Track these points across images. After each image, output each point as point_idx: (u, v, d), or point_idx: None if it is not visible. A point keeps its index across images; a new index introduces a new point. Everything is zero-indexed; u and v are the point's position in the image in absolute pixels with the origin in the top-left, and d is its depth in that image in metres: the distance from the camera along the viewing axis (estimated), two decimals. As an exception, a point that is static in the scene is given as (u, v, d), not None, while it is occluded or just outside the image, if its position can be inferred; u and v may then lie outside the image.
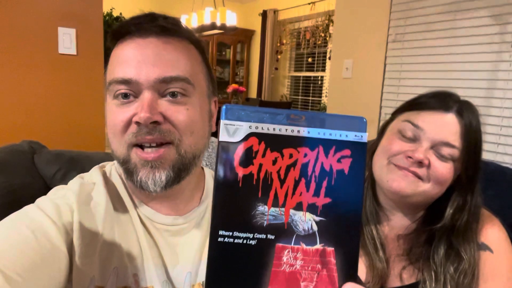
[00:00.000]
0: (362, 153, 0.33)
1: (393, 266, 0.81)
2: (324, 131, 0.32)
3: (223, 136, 0.31)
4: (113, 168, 0.68)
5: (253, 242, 0.31)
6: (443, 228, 0.78)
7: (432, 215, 0.81)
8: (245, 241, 0.31)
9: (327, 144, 0.32)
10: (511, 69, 1.81)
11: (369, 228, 0.82)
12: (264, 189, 0.31)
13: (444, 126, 0.75)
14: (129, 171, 0.59)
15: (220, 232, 0.30)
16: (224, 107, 0.31)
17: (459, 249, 0.76)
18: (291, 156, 0.32)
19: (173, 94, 0.58)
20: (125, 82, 0.57)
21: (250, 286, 0.31)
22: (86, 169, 0.71)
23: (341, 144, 0.32)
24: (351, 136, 0.32)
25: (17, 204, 0.59)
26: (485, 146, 0.78)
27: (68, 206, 0.58)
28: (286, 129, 0.32)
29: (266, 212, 0.31)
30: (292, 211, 0.32)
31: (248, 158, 0.31)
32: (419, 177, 0.75)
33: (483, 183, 0.80)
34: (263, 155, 0.31)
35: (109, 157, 1.03)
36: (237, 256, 0.30)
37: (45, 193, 0.63)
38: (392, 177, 0.76)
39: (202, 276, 0.63)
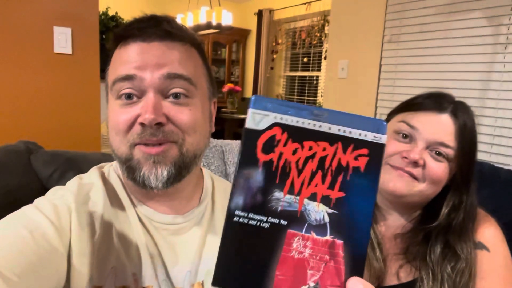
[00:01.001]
0: (380, 153, 0.33)
1: (390, 265, 0.81)
2: (345, 128, 0.33)
3: (249, 124, 0.32)
4: (111, 169, 0.68)
5: (266, 225, 0.32)
6: (439, 227, 0.78)
7: (429, 215, 0.82)
8: (258, 223, 0.32)
9: (346, 141, 0.33)
10: (505, 70, 1.83)
11: None
12: (281, 176, 0.32)
13: (439, 127, 0.76)
14: (131, 168, 0.59)
15: (236, 212, 0.32)
16: (253, 97, 0.33)
17: (456, 248, 0.77)
18: (310, 148, 0.33)
19: (176, 96, 0.59)
20: (129, 77, 0.57)
21: (259, 266, 0.32)
22: (82, 170, 0.71)
23: (359, 143, 0.33)
24: (370, 136, 0.33)
25: (13, 205, 0.59)
26: (479, 147, 0.80)
27: (66, 207, 0.58)
28: (309, 123, 0.33)
29: (282, 198, 0.32)
30: (306, 200, 0.33)
31: (270, 145, 0.32)
32: (414, 177, 0.76)
33: (477, 184, 0.81)
34: (284, 145, 0.33)
35: (106, 157, 1.03)
36: (250, 236, 0.32)
37: (41, 194, 0.62)
38: (388, 177, 0.77)
39: (201, 275, 0.64)
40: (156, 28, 0.59)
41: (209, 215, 0.69)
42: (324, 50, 4.78)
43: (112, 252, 0.59)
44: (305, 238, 0.32)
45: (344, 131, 0.33)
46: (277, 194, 0.32)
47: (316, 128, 0.33)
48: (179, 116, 0.59)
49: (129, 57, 0.59)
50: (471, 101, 1.86)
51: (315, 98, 5.18)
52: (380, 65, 2.37)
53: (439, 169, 0.75)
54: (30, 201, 0.59)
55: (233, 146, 1.26)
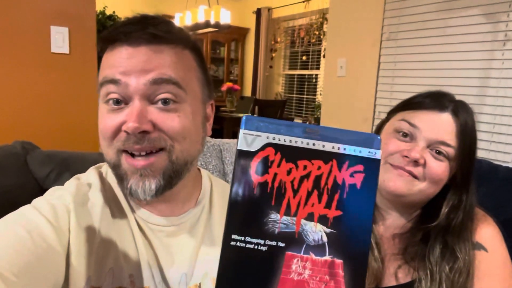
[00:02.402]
0: (375, 169, 0.33)
1: (388, 265, 0.81)
2: (339, 145, 0.33)
3: (241, 145, 0.32)
4: (109, 169, 0.68)
5: (264, 248, 0.32)
6: (438, 227, 0.78)
7: (428, 215, 0.81)
8: (256, 247, 0.31)
9: (341, 159, 0.33)
10: (504, 68, 1.82)
11: None
12: (277, 197, 0.32)
13: (440, 125, 0.76)
14: (119, 176, 0.59)
15: (233, 236, 0.31)
16: (244, 117, 0.33)
17: (454, 248, 0.76)
18: (305, 167, 0.33)
19: (164, 102, 0.57)
20: (114, 81, 0.56)
21: None
22: (79, 170, 0.70)
23: (354, 159, 0.33)
24: (364, 152, 0.33)
25: (9, 205, 0.59)
26: (478, 144, 0.79)
27: (64, 207, 0.58)
28: (302, 142, 0.33)
29: (278, 220, 0.32)
30: (303, 221, 0.32)
31: (264, 167, 0.32)
32: (414, 176, 0.75)
33: (476, 181, 0.81)
34: (278, 165, 0.32)
35: (102, 158, 1.02)
36: (248, 260, 0.31)
37: (38, 194, 0.62)
38: (388, 176, 0.77)
39: (197, 277, 0.63)
40: (142, 32, 0.57)
41: (207, 216, 0.69)
42: (323, 48, 4.78)
43: (110, 253, 0.59)
44: (304, 259, 0.32)
45: (338, 148, 0.33)
46: (274, 216, 0.32)
47: (310, 146, 0.33)
48: (166, 123, 0.57)
49: (115, 62, 0.57)
50: (470, 99, 1.86)
51: (314, 96, 5.18)
52: (379, 63, 2.37)
53: (440, 168, 0.75)
54: (27, 201, 0.59)
55: (231, 145, 1.26)
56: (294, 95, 5.60)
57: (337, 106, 2.67)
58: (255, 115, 4.49)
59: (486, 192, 1.07)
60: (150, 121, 0.56)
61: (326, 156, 0.33)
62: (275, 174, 0.32)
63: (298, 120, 5.27)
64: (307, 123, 5.02)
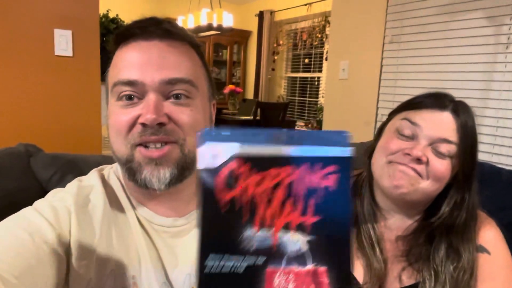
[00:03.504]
0: (348, 167, 0.31)
1: (391, 267, 0.81)
2: (308, 148, 0.31)
3: (202, 162, 0.30)
4: (111, 172, 0.68)
5: (242, 270, 0.29)
6: (442, 226, 0.78)
7: (431, 216, 0.81)
8: (233, 270, 0.29)
9: (312, 162, 0.31)
10: (506, 70, 1.82)
11: (366, 227, 0.82)
12: (249, 212, 0.30)
13: (441, 123, 0.76)
14: (132, 170, 0.59)
15: (206, 263, 0.29)
16: (201, 132, 0.30)
17: (459, 247, 0.77)
18: (276, 176, 0.30)
19: (177, 96, 0.59)
20: (131, 83, 0.57)
21: None
22: (82, 172, 0.70)
23: (326, 160, 0.31)
24: (336, 151, 0.31)
25: (13, 207, 0.59)
26: (480, 147, 0.80)
27: (66, 209, 0.58)
28: (269, 149, 0.31)
29: (254, 236, 0.30)
30: (280, 233, 0.30)
31: (230, 182, 0.30)
32: (418, 174, 0.76)
33: (479, 184, 0.81)
34: (247, 177, 0.30)
35: (106, 160, 1.03)
36: (226, 286, 0.29)
37: (41, 197, 0.62)
38: (392, 174, 0.77)
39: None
40: (156, 27, 0.59)
41: None
42: (325, 51, 4.78)
43: (111, 255, 0.58)
44: (286, 272, 0.30)
45: (308, 151, 0.31)
46: (249, 232, 0.30)
47: (278, 153, 0.31)
48: (180, 116, 0.58)
49: (130, 58, 0.59)
50: (473, 102, 1.85)
51: (316, 99, 5.18)
52: (381, 66, 2.37)
53: (442, 166, 0.76)
54: (30, 203, 0.59)
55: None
56: (297, 98, 5.60)
57: (339, 108, 2.67)
58: (257, 117, 4.49)
59: (489, 195, 1.07)
60: (165, 114, 0.57)
61: (296, 161, 0.31)
62: (245, 188, 0.30)
63: (300, 123, 5.27)
64: (309, 126, 5.02)
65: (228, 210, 0.30)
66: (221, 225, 0.29)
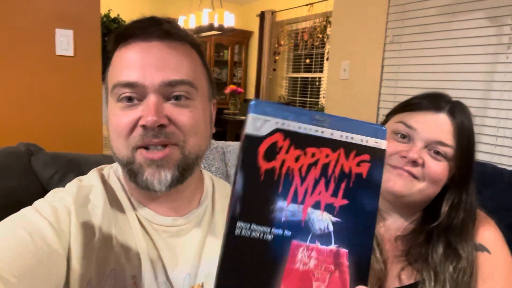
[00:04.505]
0: (381, 159, 0.33)
1: (391, 267, 0.81)
2: (347, 134, 0.33)
3: (250, 129, 0.31)
4: (111, 171, 0.68)
5: (269, 237, 0.31)
6: (440, 226, 0.79)
7: (429, 216, 0.81)
8: (262, 236, 0.30)
9: (348, 147, 0.32)
10: (508, 71, 1.82)
11: None
12: (284, 185, 0.31)
13: (437, 126, 0.76)
14: (133, 172, 0.59)
15: (238, 224, 0.30)
16: (252, 101, 0.32)
17: (457, 247, 0.77)
18: (313, 155, 0.32)
19: (177, 98, 0.59)
20: (130, 85, 0.57)
21: (263, 281, 0.31)
22: (83, 172, 0.70)
23: (361, 149, 0.33)
24: (371, 142, 0.33)
25: (14, 207, 0.59)
26: (482, 148, 0.80)
27: (65, 209, 0.58)
28: (311, 129, 0.32)
29: (285, 208, 0.31)
30: (310, 209, 0.32)
31: (272, 153, 0.31)
32: (414, 176, 0.76)
33: (480, 185, 0.81)
34: (287, 152, 0.31)
35: (107, 159, 1.03)
36: (252, 249, 0.30)
37: (42, 196, 0.62)
38: (387, 177, 0.77)
39: (201, 278, 0.63)
40: (156, 27, 0.59)
41: (209, 216, 0.69)
42: (326, 51, 4.78)
43: (111, 254, 0.58)
44: (309, 248, 0.31)
45: (346, 137, 0.33)
46: (280, 203, 0.31)
47: (319, 134, 0.32)
48: (180, 118, 0.59)
49: (129, 59, 0.59)
50: (474, 102, 1.86)
51: (318, 99, 5.18)
52: (382, 66, 2.36)
53: (439, 168, 0.76)
54: (31, 203, 0.59)
55: (235, 147, 1.26)
56: (298, 98, 5.60)
57: (340, 109, 2.67)
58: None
59: (491, 195, 1.07)
60: (165, 116, 0.57)
61: (334, 144, 0.32)
62: (283, 161, 0.31)
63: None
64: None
65: (265, 179, 0.31)
66: (256, 191, 0.31)
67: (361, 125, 0.33)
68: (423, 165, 0.75)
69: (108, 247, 0.59)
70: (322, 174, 0.32)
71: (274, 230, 0.31)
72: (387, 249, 0.83)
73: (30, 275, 0.48)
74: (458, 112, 0.77)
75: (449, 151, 0.76)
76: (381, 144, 0.33)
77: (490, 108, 1.87)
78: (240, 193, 0.30)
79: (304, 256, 0.31)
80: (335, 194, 0.32)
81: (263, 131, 0.31)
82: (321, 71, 5.08)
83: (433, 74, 2.10)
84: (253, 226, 0.30)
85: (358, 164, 0.33)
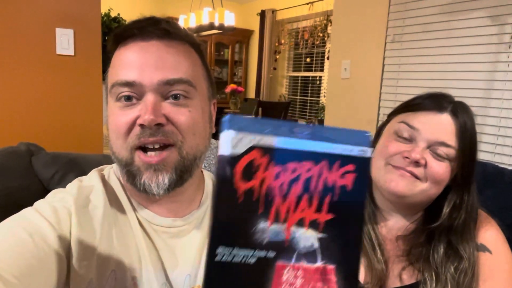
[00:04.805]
0: (366, 168, 0.31)
1: (392, 267, 0.81)
2: (328, 145, 0.31)
3: (224, 149, 0.29)
4: (111, 172, 0.68)
5: (252, 261, 0.29)
6: (441, 227, 0.78)
7: (430, 216, 0.81)
8: (244, 260, 0.29)
9: (331, 159, 0.31)
10: (509, 70, 1.81)
11: (367, 229, 0.82)
12: (265, 204, 0.30)
13: (439, 126, 0.76)
14: (131, 173, 0.59)
15: (218, 250, 0.28)
16: (226, 117, 0.29)
17: (458, 248, 0.76)
18: (294, 170, 0.30)
19: (175, 97, 0.59)
20: (129, 84, 0.57)
21: None
22: (84, 171, 0.70)
23: (345, 159, 0.31)
24: (355, 151, 0.31)
25: (14, 207, 0.59)
26: (483, 147, 0.79)
27: (66, 209, 0.58)
28: (290, 142, 0.30)
29: (267, 229, 0.30)
30: (293, 228, 0.30)
31: (249, 172, 0.29)
32: (416, 177, 0.76)
33: (481, 184, 0.81)
34: (266, 169, 0.29)
35: (107, 159, 1.03)
36: (235, 276, 0.29)
37: (42, 196, 0.62)
38: (390, 177, 0.77)
39: (201, 279, 0.63)
40: (155, 27, 0.59)
41: (209, 217, 0.69)
42: (327, 50, 4.77)
43: (112, 255, 0.58)
44: (295, 268, 0.30)
45: (329, 148, 0.31)
46: (262, 224, 0.29)
47: (299, 147, 0.30)
48: (178, 117, 0.58)
49: (128, 58, 0.59)
50: (475, 101, 1.86)
51: (318, 98, 5.17)
52: (383, 65, 2.36)
53: (441, 169, 0.75)
54: (31, 202, 0.59)
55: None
56: (298, 97, 5.60)
57: (341, 108, 2.66)
58: (258, 116, 4.49)
59: (492, 195, 1.07)
60: (163, 115, 0.57)
61: (316, 157, 0.30)
62: (263, 179, 0.29)
63: (301, 122, 5.27)
64: (311, 125, 5.02)
65: (244, 201, 0.29)
66: (235, 215, 0.29)
67: (345, 133, 0.31)
68: (425, 165, 0.75)
69: (109, 248, 0.59)
70: (305, 190, 0.30)
71: (257, 253, 0.29)
72: (388, 249, 0.83)
73: (30, 276, 0.48)
74: (460, 112, 0.76)
75: (451, 152, 0.75)
76: (366, 152, 0.31)
77: (491, 107, 1.86)
78: (219, 218, 0.29)
79: (290, 276, 0.30)
80: (319, 209, 0.30)
81: (239, 150, 0.29)
82: (322, 70, 5.08)
83: (434, 73, 2.10)
84: (235, 251, 0.29)
85: (342, 176, 0.31)
